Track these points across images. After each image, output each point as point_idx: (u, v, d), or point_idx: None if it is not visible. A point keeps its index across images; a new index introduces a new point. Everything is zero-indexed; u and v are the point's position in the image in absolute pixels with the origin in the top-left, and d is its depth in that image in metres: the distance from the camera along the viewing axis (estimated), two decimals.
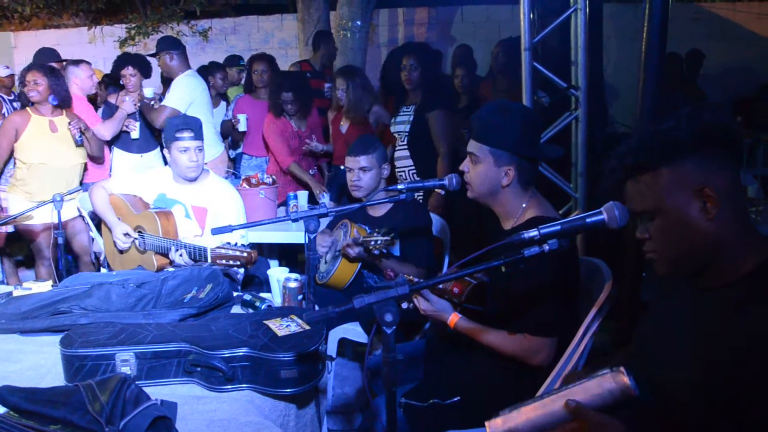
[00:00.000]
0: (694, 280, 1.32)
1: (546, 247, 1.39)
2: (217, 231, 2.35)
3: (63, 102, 4.13)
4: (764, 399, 1.09)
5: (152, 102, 4.53)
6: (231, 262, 2.49)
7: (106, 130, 4.40)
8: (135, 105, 4.55)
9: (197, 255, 2.72)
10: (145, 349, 1.88)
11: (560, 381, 1.83)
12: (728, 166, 1.25)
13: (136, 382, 1.64)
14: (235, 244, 2.52)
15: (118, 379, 1.56)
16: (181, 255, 2.78)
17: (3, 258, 4.55)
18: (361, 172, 2.99)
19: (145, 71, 4.85)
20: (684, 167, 1.25)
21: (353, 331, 3.00)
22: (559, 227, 1.39)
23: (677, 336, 1.33)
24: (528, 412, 1.20)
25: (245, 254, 2.48)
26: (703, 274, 1.29)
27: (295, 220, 2.31)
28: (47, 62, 4.68)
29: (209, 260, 2.57)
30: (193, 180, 3.10)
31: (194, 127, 3.05)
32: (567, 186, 3.90)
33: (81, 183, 4.27)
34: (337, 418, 3.09)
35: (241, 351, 1.84)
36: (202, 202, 3.11)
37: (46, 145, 4.02)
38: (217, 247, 2.52)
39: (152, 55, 4.76)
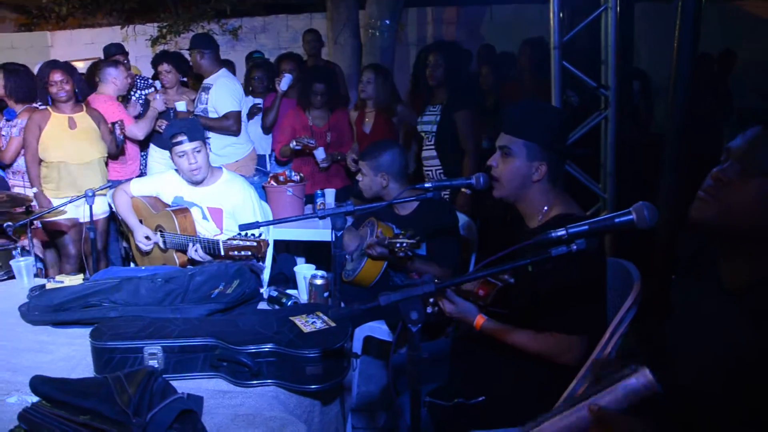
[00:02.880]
0: (721, 274, 1.30)
1: (573, 247, 1.38)
2: (244, 227, 2.38)
3: (83, 97, 4.24)
4: None
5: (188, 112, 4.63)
6: (242, 253, 2.52)
7: (139, 129, 4.48)
8: (165, 103, 4.61)
9: (211, 248, 2.76)
10: (173, 343, 1.90)
11: (587, 369, 1.81)
12: None
13: (163, 376, 1.67)
14: (245, 235, 2.54)
15: (145, 372, 1.58)
16: (196, 250, 2.84)
17: (46, 251, 4.63)
18: (360, 174, 3.12)
19: (183, 69, 4.91)
20: None
21: (379, 329, 3.00)
22: (587, 227, 1.37)
23: (705, 338, 1.31)
24: (554, 424, 1.19)
25: (255, 244, 2.50)
26: (733, 267, 1.27)
27: (322, 218, 2.31)
28: (115, 55, 4.89)
29: (222, 252, 2.60)
30: (203, 181, 3.14)
31: (188, 129, 3.04)
32: (596, 186, 3.86)
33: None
34: (361, 415, 3.10)
35: (267, 347, 1.85)
36: (216, 202, 3.16)
37: (67, 142, 4.07)
38: (228, 239, 2.56)
39: (188, 50, 4.84)
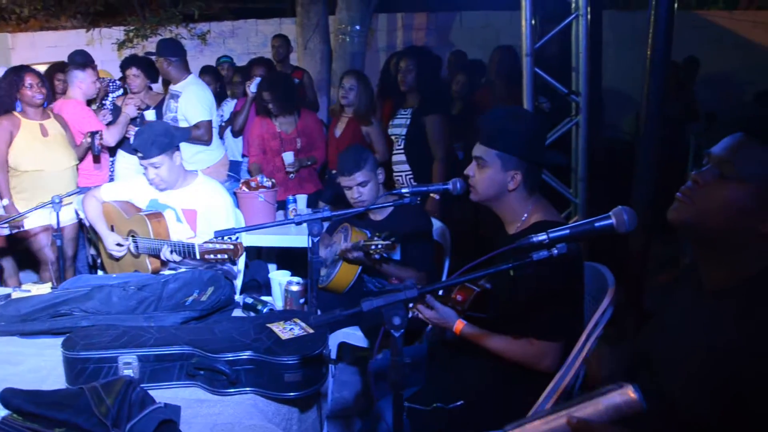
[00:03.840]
0: (702, 278, 1.32)
1: (554, 251, 1.39)
2: (220, 233, 2.34)
3: (48, 103, 4.14)
4: None
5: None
6: (219, 256, 2.48)
7: (110, 136, 4.37)
8: (137, 109, 4.52)
9: (186, 252, 2.72)
10: (148, 352, 1.87)
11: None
12: None
13: (140, 385, 1.63)
14: (221, 238, 2.51)
15: (123, 381, 1.55)
16: (170, 252, 2.78)
17: (2, 259, 4.51)
18: (360, 187, 2.99)
19: (151, 74, 4.83)
20: None
21: (353, 336, 2.99)
22: (568, 231, 1.38)
23: (684, 340, 1.33)
24: (536, 428, 1.19)
25: (232, 246, 2.47)
26: (713, 270, 1.29)
27: (298, 224, 2.29)
28: (81, 63, 4.71)
29: (197, 255, 2.56)
30: (176, 185, 3.09)
31: (144, 147, 2.95)
32: (567, 191, 3.91)
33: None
34: (336, 422, 3.08)
35: (245, 354, 1.83)
36: (191, 204, 3.10)
37: (39, 150, 3.94)
38: (204, 242, 2.51)
39: (153, 54, 4.76)
